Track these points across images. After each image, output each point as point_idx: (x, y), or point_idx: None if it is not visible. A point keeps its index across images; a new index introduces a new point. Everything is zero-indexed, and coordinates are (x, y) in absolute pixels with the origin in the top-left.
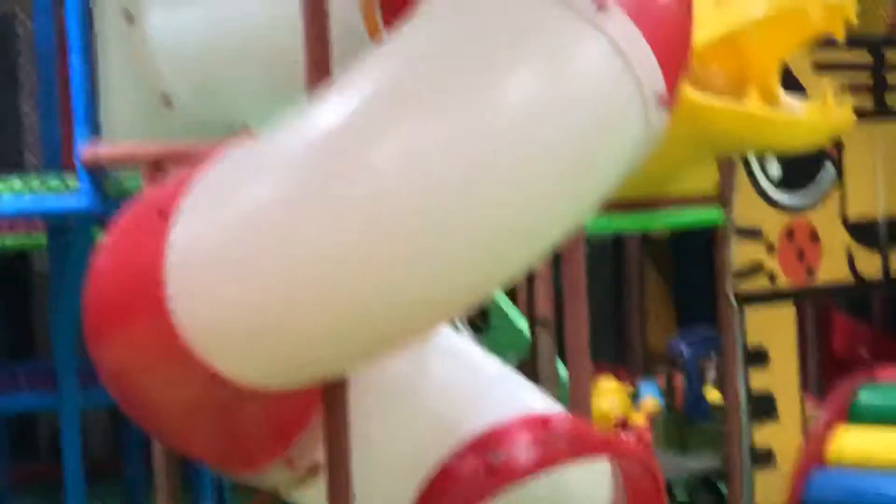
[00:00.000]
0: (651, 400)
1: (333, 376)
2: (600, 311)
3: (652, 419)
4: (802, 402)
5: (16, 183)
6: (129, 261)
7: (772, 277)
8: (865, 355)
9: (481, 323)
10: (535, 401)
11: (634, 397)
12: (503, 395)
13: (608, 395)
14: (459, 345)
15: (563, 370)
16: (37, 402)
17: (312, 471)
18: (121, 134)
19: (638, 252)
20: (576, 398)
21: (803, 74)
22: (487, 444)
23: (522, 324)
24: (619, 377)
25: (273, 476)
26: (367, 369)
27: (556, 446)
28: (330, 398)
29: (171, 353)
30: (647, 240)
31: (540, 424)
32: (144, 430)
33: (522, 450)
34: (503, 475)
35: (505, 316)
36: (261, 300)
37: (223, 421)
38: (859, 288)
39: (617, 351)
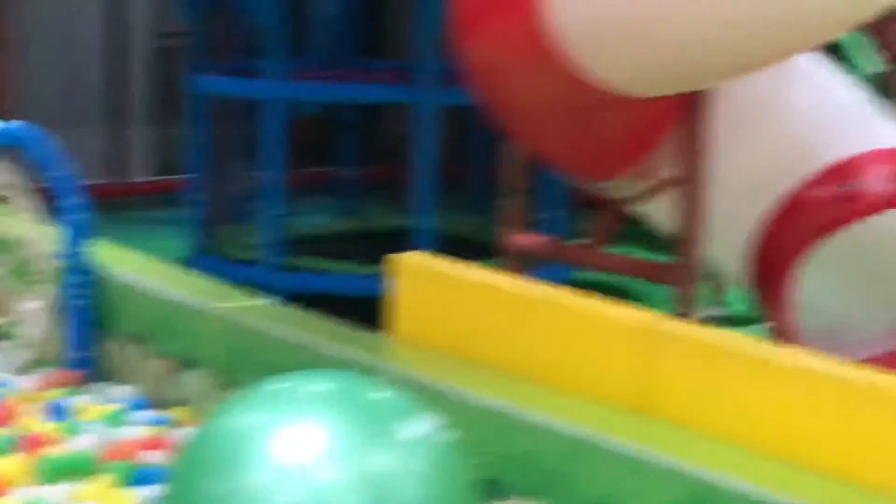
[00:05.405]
0: None
1: (696, 89)
2: None
3: None
4: None
5: None
6: None
7: None
8: None
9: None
10: (891, 135)
11: None
12: (860, 126)
13: None
14: (821, 72)
15: None
16: (393, 95)
17: (665, 184)
18: None
19: None
20: None
21: None
22: (842, 174)
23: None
24: None
25: (625, 187)
26: (729, 90)
27: None
28: (691, 111)
29: (540, 52)
30: None
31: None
32: (503, 130)
33: (877, 183)
34: (857, 206)
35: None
36: (635, 6)
37: (584, 125)
38: None
39: None
